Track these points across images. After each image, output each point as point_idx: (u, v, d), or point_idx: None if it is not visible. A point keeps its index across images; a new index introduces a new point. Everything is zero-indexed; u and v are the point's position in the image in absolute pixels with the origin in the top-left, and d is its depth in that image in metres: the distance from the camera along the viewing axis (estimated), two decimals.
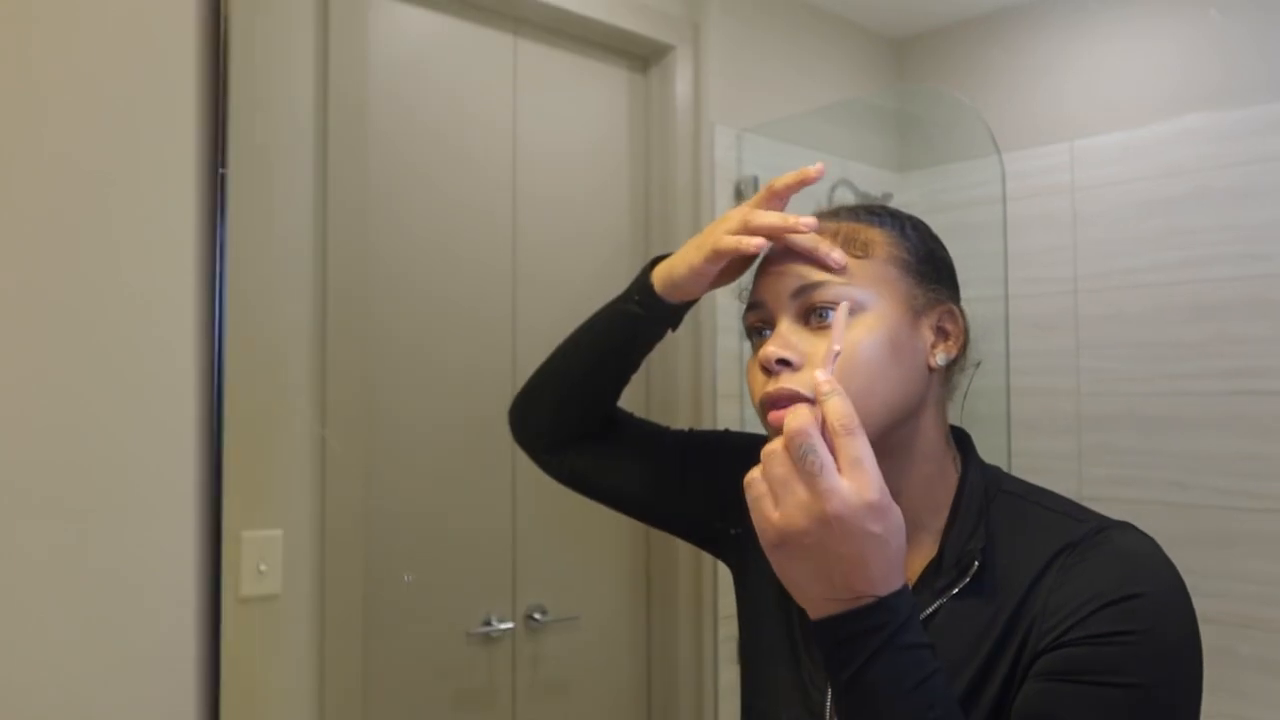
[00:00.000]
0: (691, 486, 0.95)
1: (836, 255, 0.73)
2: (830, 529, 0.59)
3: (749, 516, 0.85)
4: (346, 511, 1.35)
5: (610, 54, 1.78)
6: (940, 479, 0.76)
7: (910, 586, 0.69)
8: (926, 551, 0.75)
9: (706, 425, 1.79)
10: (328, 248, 1.35)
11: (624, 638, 1.76)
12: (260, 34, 1.27)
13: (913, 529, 0.73)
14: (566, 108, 1.72)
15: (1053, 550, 0.69)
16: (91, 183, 1.31)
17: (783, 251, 0.76)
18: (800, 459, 0.60)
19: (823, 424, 0.62)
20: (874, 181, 2.09)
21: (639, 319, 0.89)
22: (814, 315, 0.73)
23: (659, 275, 0.87)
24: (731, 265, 0.83)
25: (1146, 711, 0.62)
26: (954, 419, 0.80)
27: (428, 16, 1.54)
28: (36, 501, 1.39)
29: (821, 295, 0.72)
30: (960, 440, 0.79)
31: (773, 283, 0.76)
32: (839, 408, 0.62)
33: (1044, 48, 2.14)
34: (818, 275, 0.73)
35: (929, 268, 0.77)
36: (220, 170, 1.05)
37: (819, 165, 0.79)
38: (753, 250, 0.78)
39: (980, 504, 0.74)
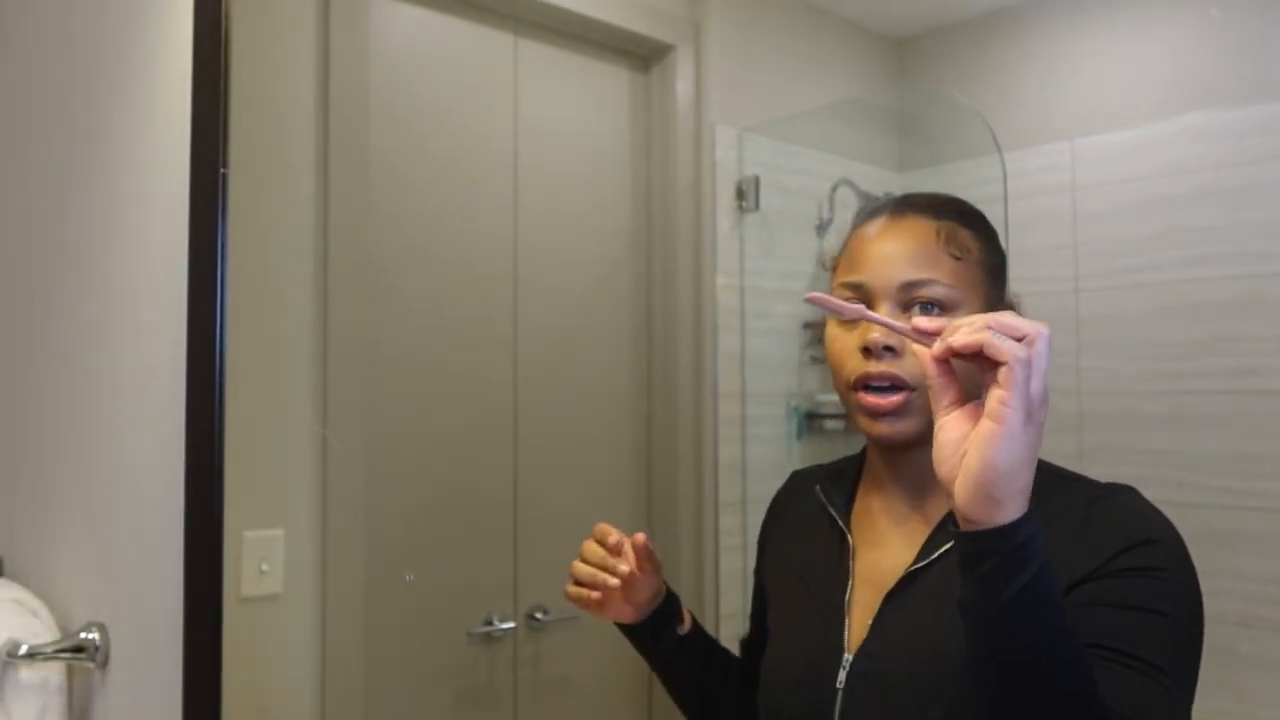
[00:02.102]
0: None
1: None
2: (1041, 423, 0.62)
3: (770, 541, 0.98)
4: (348, 511, 1.35)
5: (611, 53, 1.78)
6: None
7: (937, 525, 0.80)
8: (945, 505, 0.79)
9: (706, 423, 1.80)
10: (329, 247, 1.35)
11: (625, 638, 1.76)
12: (261, 33, 1.27)
13: (938, 491, 0.79)
14: (567, 107, 1.72)
15: (1078, 503, 0.76)
16: (90, 180, 1.31)
17: (889, 235, 0.81)
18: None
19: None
20: (875, 181, 2.08)
21: (649, 651, 0.97)
22: (915, 307, 0.79)
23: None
24: (623, 593, 0.91)
25: (1169, 636, 0.69)
26: None
27: (428, 16, 1.54)
28: (31, 498, 1.39)
29: (929, 292, 0.78)
30: None
31: (881, 268, 0.80)
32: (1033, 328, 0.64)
33: (1045, 47, 2.13)
34: (926, 272, 0.79)
35: (1001, 270, 0.85)
36: (221, 170, 1.05)
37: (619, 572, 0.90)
38: (598, 599, 0.90)
39: None
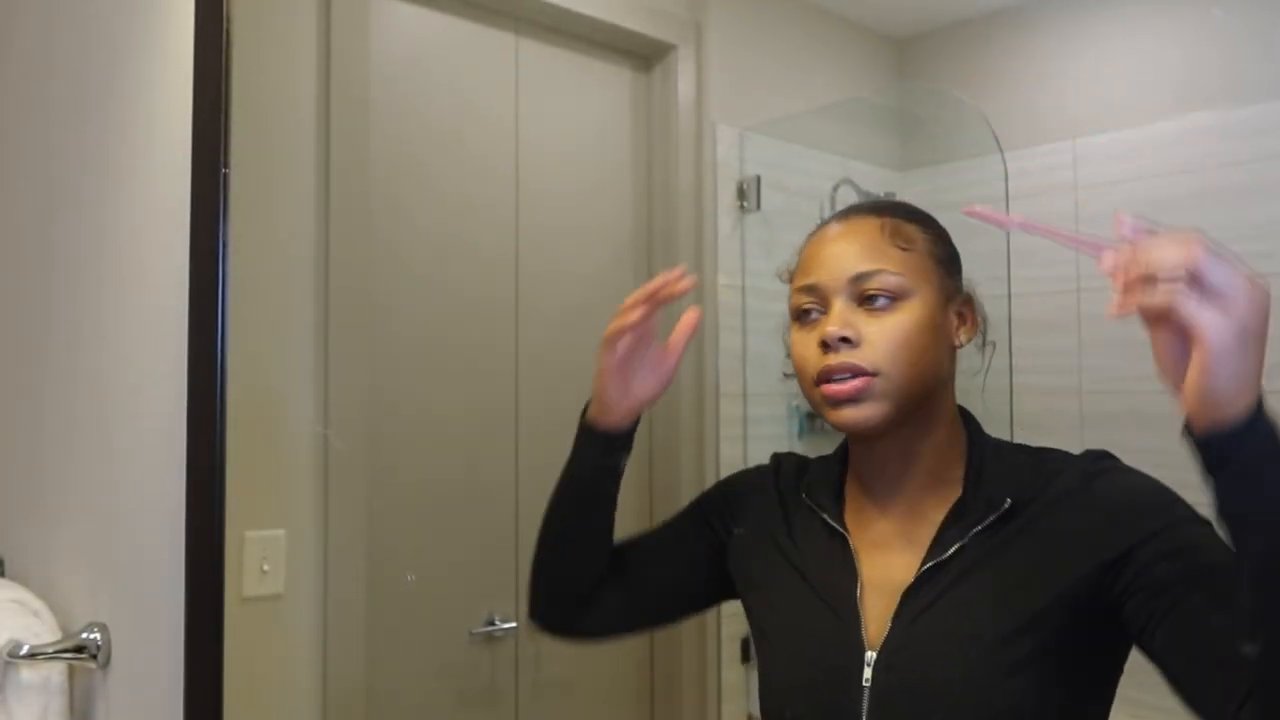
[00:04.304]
0: (700, 554, 0.98)
1: None
2: (1266, 312, 0.59)
3: (748, 518, 0.91)
4: (349, 511, 1.35)
5: (612, 53, 1.78)
6: (953, 441, 0.86)
7: (942, 525, 0.81)
8: (947, 498, 0.83)
9: (708, 423, 1.80)
10: (330, 247, 1.35)
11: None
12: (262, 33, 1.27)
13: (930, 482, 0.84)
14: (568, 107, 1.72)
15: (1069, 481, 0.79)
16: (92, 180, 1.31)
17: (839, 240, 0.84)
18: (1216, 255, 0.60)
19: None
20: (876, 180, 2.08)
21: (591, 457, 0.93)
22: (868, 300, 0.81)
23: (590, 408, 0.93)
24: (644, 373, 0.90)
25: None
26: (973, 394, 0.91)
27: (429, 16, 1.54)
28: (32, 498, 1.39)
29: (879, 282, 0.81)
30: (963, 412, 0.89)
31: (829, 266, 0.84)
32: (1197, 242, 0.62)
33: (1046, 46, 2.13)
34: (874, 264, 0.82)
35: (953, 262, 0.87)
36: (223, 170, 1.05)
37: (688, 281, 0.87)
38: (634, 318, 0.86)
39: (994, 454, 0.84)
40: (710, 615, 1.79)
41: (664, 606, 1.04)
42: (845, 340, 0.80)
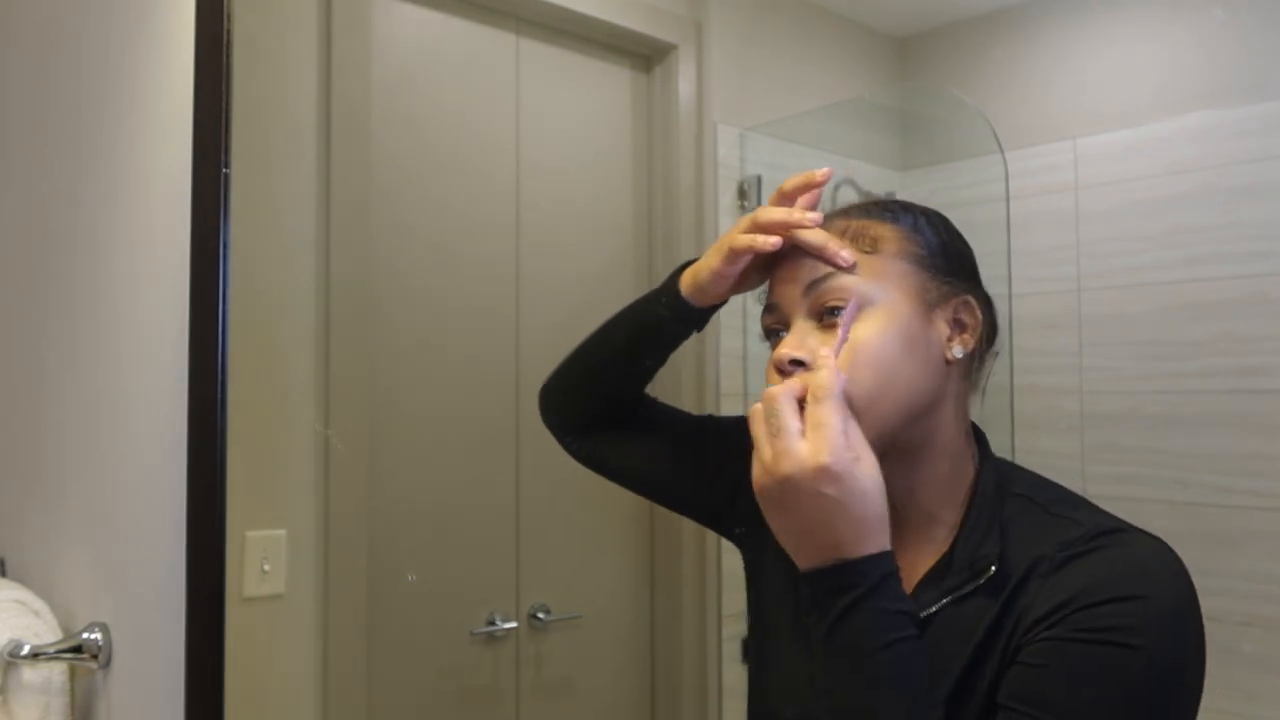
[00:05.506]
0: (705, 474, 0.98)
1: (845, 254, 0.73)
2: (786, 489, 0.64)
3: (752, 517, 0.89)
4: (350, 511, 1.35)
5: (613, 53, 1.78)
6: (957, 476, 0.76)
7: (919, 581, 0.73)
8: (938, 548, 0.74)
9: None
10: (331, 247, 1.35)
11: (627, 637, 1.76)
12: (263, 33, 1.27)
13: (926, 525, 0.75)
14: (569, 107, 1.72)
15: (1048, 547, 0.68)
16: (93, 182, 1.31)
17: (793, 251, 0.76)
18: (767, 420, 0.66)
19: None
20: (877, 180, 2.08)
21: (665, 320, 0.90)
22: (826, 314, 0.73)
23: (686, 279, 0.88)
24: (752, 267, 0.82)
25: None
26: (975, 410, 0.80)
27: (430, 15, 1.54)
28: (34, 498, 1.39)
29: (830, 293, 0.73)
30: (977, 437, 0.79)
31: (785, 283, 0.77)
32: (820, 377, 0.66)
33: (1047, 46, 2.13)
34: (824, 270, 0.73)
35: (943, 260, 0.76)
36: (224, 170, 1.05)
37: (826, 169, 0.80)
38: (766, 248, 0.77)
39: (994, 506, 0.73)
40: (710, 615, 1.79)
41: (640, 483, 1.06)
42: (798, 363, 0.71)
